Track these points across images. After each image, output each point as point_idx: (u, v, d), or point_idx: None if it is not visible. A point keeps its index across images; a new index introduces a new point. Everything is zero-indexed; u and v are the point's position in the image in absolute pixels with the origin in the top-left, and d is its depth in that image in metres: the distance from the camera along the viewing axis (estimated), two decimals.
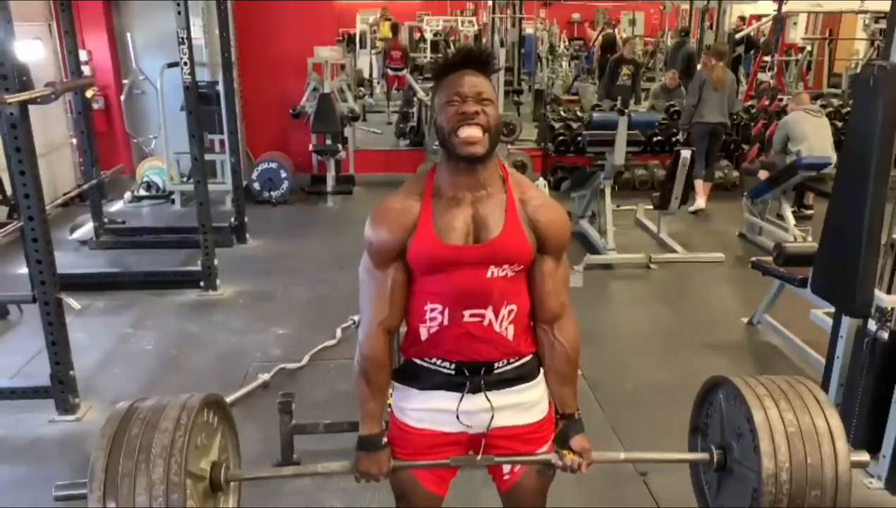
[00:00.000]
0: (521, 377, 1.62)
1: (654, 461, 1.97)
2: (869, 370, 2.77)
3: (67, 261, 4.85)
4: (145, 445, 1.52)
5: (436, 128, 1.53)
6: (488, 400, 1.58)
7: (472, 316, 1.54)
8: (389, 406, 1.71)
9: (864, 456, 1.73)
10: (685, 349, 3.98)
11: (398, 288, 1.56)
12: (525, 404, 1.64)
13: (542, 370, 1.66)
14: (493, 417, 1.59)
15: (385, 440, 1.62)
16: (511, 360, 1.60)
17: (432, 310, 1.54)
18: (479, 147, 1.46)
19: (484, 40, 10.29)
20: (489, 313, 1.54)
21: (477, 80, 1.49)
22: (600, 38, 12.89)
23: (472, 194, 1.52)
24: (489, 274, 1.52)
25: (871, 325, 2.76)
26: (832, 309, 3.13)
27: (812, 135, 5.65)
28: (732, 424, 1.81)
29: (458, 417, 1.59)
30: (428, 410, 1.62)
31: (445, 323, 1.54)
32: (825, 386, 3.08)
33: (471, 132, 1.45)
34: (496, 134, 1.50)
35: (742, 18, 13.23)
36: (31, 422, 3.13)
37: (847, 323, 2.92)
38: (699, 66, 7.12)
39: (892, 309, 2.72)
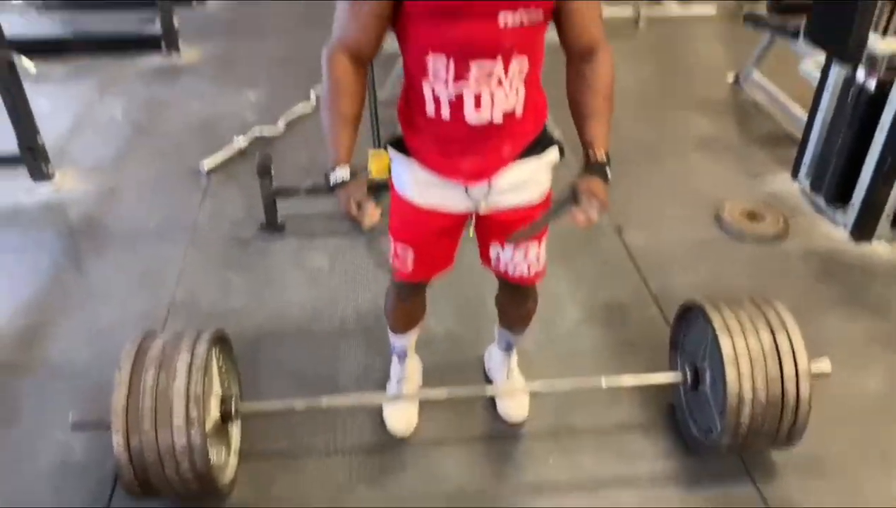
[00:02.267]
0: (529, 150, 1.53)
1: (634, 385, 2.01)
2: (851, 121, 2.76)
3: (16, 24, 4.48)
4: (162, 388, 1.60)
5: None
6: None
7: (479, 69, 1.37)
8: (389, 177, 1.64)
9: (825, 365, 1.76)
10: (668, 108, 3.93)
11: (374, 15, 1.37)
12: (526, 182, 1.56)
13: (549, 147, 1.56)
14: (489, 193, 1.54)
15: (355, 171, 1.45)
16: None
17: (435, 62, 1.38)
18: None
19: None
20: (498, 66, 1.37)
21: None
22: None
23: None
24: (502, 23, 1.33)
25: (860, 74, 2.70)
26: (822, 61, 3.04)
27: None
28: (702, 346, 1.87)
29: (466, 190, 1.53)
30: (435, 184, 1.54)
31: (451, 78, 1.38)
32: (804, 140, 3.10)
33: None
34: None
35: None
36: (8, 191, 3.09)
37: (835, 72, 2.85)
38: None
39: (883, 56, 2.63)
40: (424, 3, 1.33)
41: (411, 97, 1.48)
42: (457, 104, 1.41)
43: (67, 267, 2.71)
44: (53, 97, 3.88)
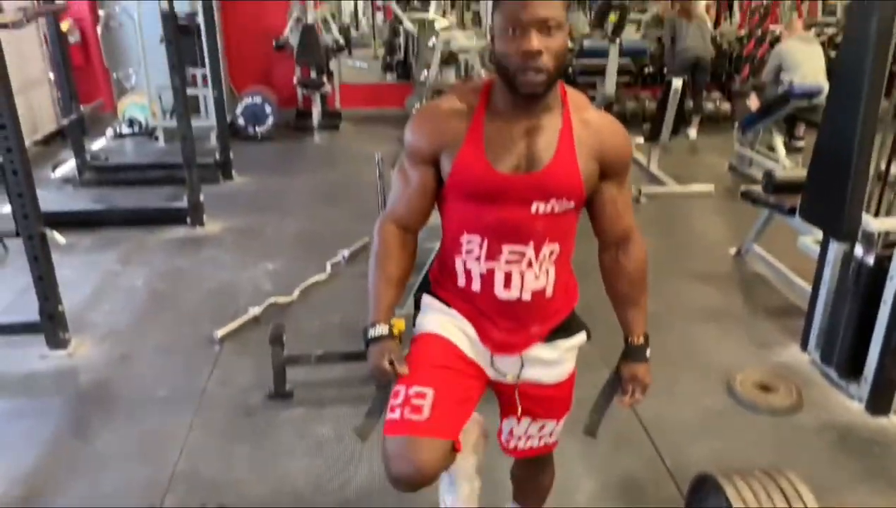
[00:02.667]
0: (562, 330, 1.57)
1: None
2: (854, 295, 2.80)
3: (51, 200, 4.78)
4: None
5: (492, 52, 1.38)
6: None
7: (511, 252, 1.44)
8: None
9: None
10: (674, 279, 4.01)
11: (419, 193, 1.49)
12: (553, 361, 1.58)
13: (578, 331, 1.61)
14: (522, 366, 1.55)
15: (393, 330, 1.50)
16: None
17: (469, 242, 1.46)
18: (540, 86, 1.34)
19: None
20: (529, 250, 1.44)
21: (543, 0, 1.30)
22: None
23: (528, 119, 1.40)
24: (534, 210, 1.41)
25: (858, 250, 2.78)
26: (820, 237, 3.15)
27: (805, 63, 5.57)
28: None
29: (491, 359, 1.55)
30: (454, 325, 1.54)
31: (483, 257, 1.46)
32: (810, 312, 3.13)
33: (530, 79, 1.32)
34: (561, 63, 1.35)
35: None
36: (23, 358, 3.13)
37: (834, 248, 2.94)
38: (667, 16, 7.04)
39: (879, 233, 2.73)
40: (462, 186, 1.43)
41: (445, 265, 1.56)
42: (487, 278, 1.48)
43: (72, 434, 2.68)
44: (78, 266, 4.03)
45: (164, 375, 3.05)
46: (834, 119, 2.71)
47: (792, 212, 3.53)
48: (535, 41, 1.29)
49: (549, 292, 1.50)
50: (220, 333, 3.30)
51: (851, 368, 2.85)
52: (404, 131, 1.49)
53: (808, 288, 3.29)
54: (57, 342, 3.18)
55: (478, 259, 1.46)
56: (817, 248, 3.15)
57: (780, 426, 2.73)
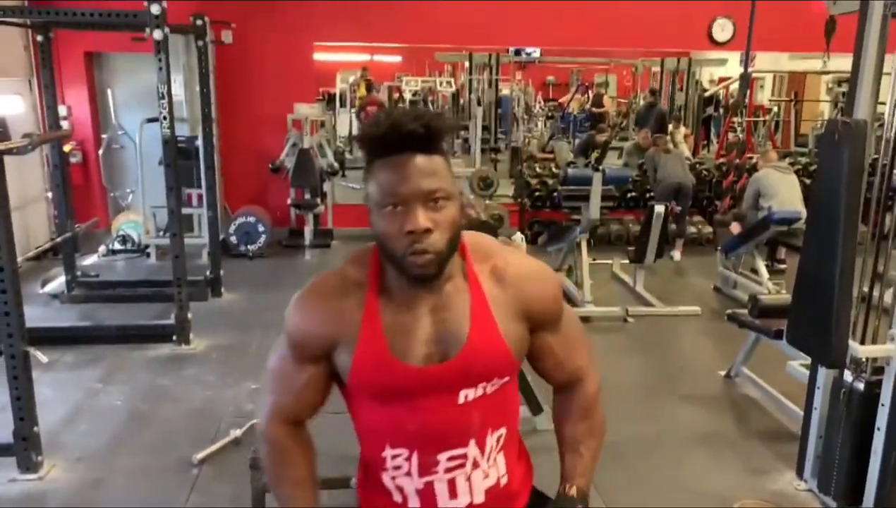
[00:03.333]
0: None
1: None
2: (847, 420, 2.77)
3: (37, 315, 4.75)
4: None
5: (374, 234, 1.16)
6: None
7: (450, 459, 1.19)
8: None
9: None
10: (665, 402, 3.96)
11: (311, 389, 1.25)
12: None
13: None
14: None
15: None
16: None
17: (394, 458, 1.20)
18: (432, 267, 1.13)
19: (461, 101, 10.51)
20: (472, 450, 1.20)
21: (424, 165, 1.11)
22: (590, 96, 13.33)
23: (429, 295, 1.18)
24: (462, 399, 1.18)
25: (847, 376, 2.78)
26: (808, 360, 3.15)
27: (782, 190, 5.78)
28: None
29: None
30: None
31: (415, 473, 1.20)
32: (804, 438, 3.08)
33: (419, 261, 1.11)
34: (455, 236, 1.15)
35: (711, 82, 13.69)
36: None
37: (823, 373, 2.93)
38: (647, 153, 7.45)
39: (867, 359, 2.74)
40: (368, 388, 1.19)
41: (371, 477, 1.28)
42: (427, 493, 1.22)
43: None
44: (58, 384, 3.94)
45: (136, 501, 2.92)
46: (813, 248, 2.78)
47: (778, 335, 3.55)
48: (422, 218, 1.09)
49: (503, 482, 1.26)
50: (198, 456, 3.19)
51: (851, 497, 2.78)
52: (286, 315, 1.25)
53: (800, 412, 3.25)
54: (28, 465, 3.05)
55: (409, 474, 1.20)
56: (806, 372, 3.14)
57: None
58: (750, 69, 7.63)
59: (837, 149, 2.61)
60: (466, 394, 1.18)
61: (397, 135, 1.10)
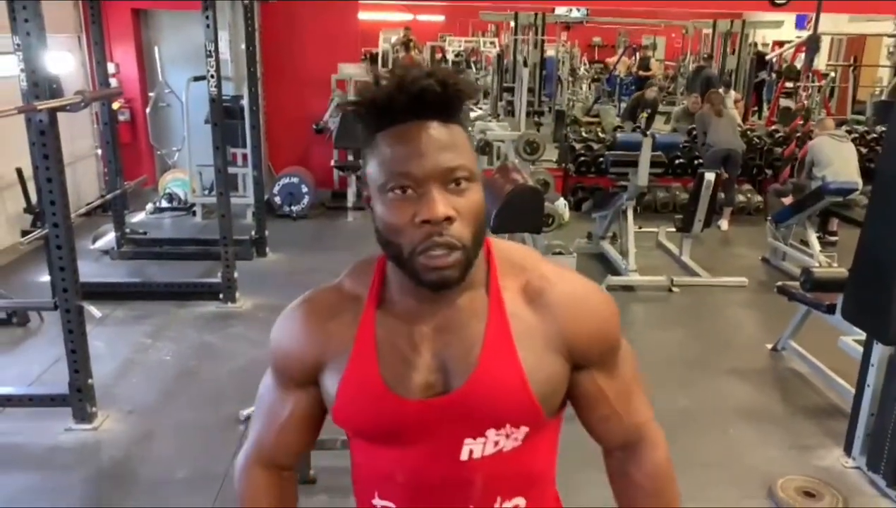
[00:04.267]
0: None
1: None
2: None
3: (89, 271, 4.87)
4: None
5: (375, 228, 0.92)
6: None
7: None
8: None
9: None
10: (708, 375, 3.91)
11: (296, 424, 1.04)
12: None
13: None
14: None
15: None
16: None
17: None
18: (455, 270, 0.87)
19: (505, 62, 10.33)
20: None
21: (442, 135, 0.86)
22: (637, 58, 13.00)
23: (438, 310, 0.93)
24: (465, 454, 0.92)
25: None
26: (862, 336, 3.06)
27: (837, 160, 5.58)
28: None
29: None
30: None
31: None
32: (854, 415, 3.01)
33: (438, 263, 0.86)
34: (481, 231, 0.90)
35: (765, 44, 13.21)
36: (47, 430, 3.12)
37: (879, 350, 2.85)
38: (697, 112, 7.22)
39: None
40: (352, 423, 0.98)
41: None
42: None
43: None
44: (109, 339, 4.06)
45: (186, 455, 3.00)
46: (876, 223, 2.68)
47: (831, 310, 3.46)
48: (441, 204, 0.85)
49: None
50: (245, 413, 3.26)
51: None
52: (272, 331, 1.05)
53: (850, 388, 3.18)
54: (84, 416, 3.16)
55: None
56: (859, 348, 3.06)
57: None
58: (809, 32, 7.32)
59: None
60: (471, 450, 0.92)
61: (406, 97, 0.86)
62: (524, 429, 0.93)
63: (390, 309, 0.95)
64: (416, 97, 0.85)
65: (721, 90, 8.79)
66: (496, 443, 0.92)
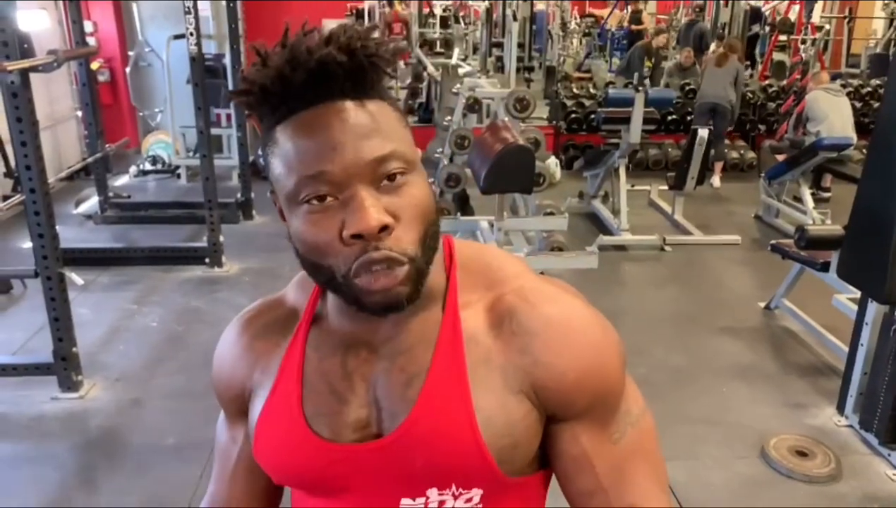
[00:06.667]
0: None
1: None
2: (895, 358, 2.68)
3: (72, 236, 4.78)
4: None
5: (294, 249, 0.70)
6: None
7: None
8: None
9: None
10: (700, 333, 3.89)
11: (246, 467, 0.84)
12: None
13: None
14: None
15: None
16: None
17: None
18: (404, 287, 0.67)
19: (494, 17, 10.07)
20: None
21: (360, 118, 0.66)
22: (629, 11, 12.75)
23: (379, 331, 0.73)
24: None
25: None
26: (856, 295, 3.03)
27: (832, 114, 5.49)
28: None
29: None
30: None
31: None
32: (847, 374, 3.00)
33: (382, 282, 0.66)
34: (433, 233, 0.69)
35: None
36: (33, 399, 3.07)
37: (873, 309, 2.82)
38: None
39: None
40: (269, 467, 0.78)
41: None
42: None
43: (78, 483, 2.61)
44: (94, 304, 3.99)
45: (174, 422, 2.96)
46: (873, 179, 2.63)
47: (825, 267, 3.43)
48: (373, 211, 0.64)
49: None
50: None
51: (894, 435, 2.71)
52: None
53: (843, 347, 3.16)
54: (69, 384, 3.11)
55: None
56: (853, 307, 3.03)
57: (818, 495, 2.58)
58: None
59: None
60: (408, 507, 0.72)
61: (303, 75, 0.65)
62: (477, 491, 0.71)
63: (327, 327, 0.77)
64: (316, 73, 0.64)
65: (713, 44, 8.62)
66: (441, 504, 0.71)
